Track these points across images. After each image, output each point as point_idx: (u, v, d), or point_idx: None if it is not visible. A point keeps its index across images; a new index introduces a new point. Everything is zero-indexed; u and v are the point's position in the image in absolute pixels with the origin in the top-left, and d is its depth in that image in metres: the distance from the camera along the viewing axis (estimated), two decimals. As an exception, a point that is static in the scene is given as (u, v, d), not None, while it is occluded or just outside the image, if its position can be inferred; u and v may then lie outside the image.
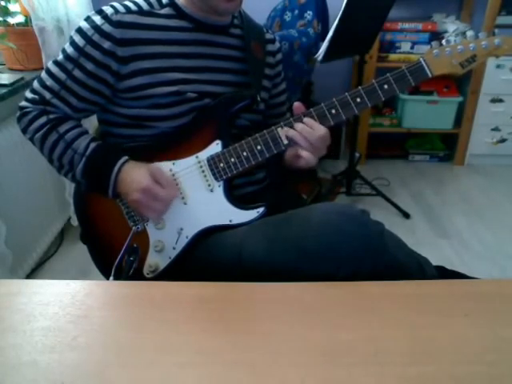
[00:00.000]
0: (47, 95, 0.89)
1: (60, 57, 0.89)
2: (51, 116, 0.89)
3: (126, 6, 0.89)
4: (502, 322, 0.61)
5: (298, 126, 0.87)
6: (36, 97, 0.90)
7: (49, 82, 0.89)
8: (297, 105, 0.89)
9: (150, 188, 0.84)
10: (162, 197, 0.85)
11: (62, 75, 0.88)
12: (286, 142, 0.88)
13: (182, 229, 0.89)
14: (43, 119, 0.89)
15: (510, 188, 2.61)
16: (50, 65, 0.90)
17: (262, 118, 1.05)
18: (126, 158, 0.89)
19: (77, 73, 0.88)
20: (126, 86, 0.88)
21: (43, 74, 0.91)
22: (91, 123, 1.06)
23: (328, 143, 0.90)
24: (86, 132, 0.92)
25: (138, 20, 0.88)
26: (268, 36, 1.06)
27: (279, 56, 1.10)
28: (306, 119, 0.87)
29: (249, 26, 1.01)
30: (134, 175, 0.85)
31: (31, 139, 0.91)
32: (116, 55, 0.86)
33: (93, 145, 0.89)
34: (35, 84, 0.91)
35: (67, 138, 0.88)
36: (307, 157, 0.87)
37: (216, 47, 0.96)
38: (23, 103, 0.92)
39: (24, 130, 0.92)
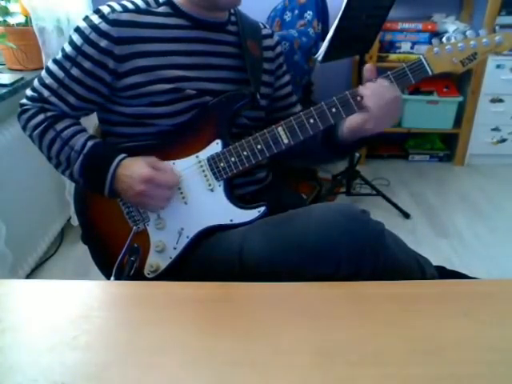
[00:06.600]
0: (46, 93, 0.90)
1: (59, 55, 0.91)
2: (48, 114, 0.90)
3: (123, 5, 0.89)
4: (502, 322, 0.61)
5: (370, 85, 0.84)
6: (35, 94, 0.91)
7: (48, 80, 0.90)
8: (368, 67, 0.87)
9: (152, 176, 0.84)
10: (165, 182, 0.85)
11: (60, 73, 0.89)
12: (286, 141, 0.88)
13: (182, 229, 0.89)
14: (41, 117, 0.90)
15: (510, 188, 2.61)
16: (50, 63, 0.92)
17: (265, 114, 1.05)
18: (123, 155, 0.89)
19: (74, 71, 0.88)
20: (124, 84, 0.89)
21: (43, 73, 0.92)
22: (91, 122, 1.06)
23: (399, 113, 0.86)
24: (83, 130, 0.92)
25: (135, 18, 0.88)
26: (265, 31, 1.06)
27: (278, 49, 1.10)
28: (379, 80, 0.85)
29: (243, 24, 1.01)
30: (133, 169, 0.85)
31: (30, 136, 0.93)
32: (113, 54, 0.87)
33: (90, 143, 0.89)
34: (35, 82, 0.93)
35: (64, 135, 0.89)
36: (372, 123, 0.84)
37: (214, 44, 0.96)
38: (23, 101, 0.94)
39: (24, 127, 0.93)
